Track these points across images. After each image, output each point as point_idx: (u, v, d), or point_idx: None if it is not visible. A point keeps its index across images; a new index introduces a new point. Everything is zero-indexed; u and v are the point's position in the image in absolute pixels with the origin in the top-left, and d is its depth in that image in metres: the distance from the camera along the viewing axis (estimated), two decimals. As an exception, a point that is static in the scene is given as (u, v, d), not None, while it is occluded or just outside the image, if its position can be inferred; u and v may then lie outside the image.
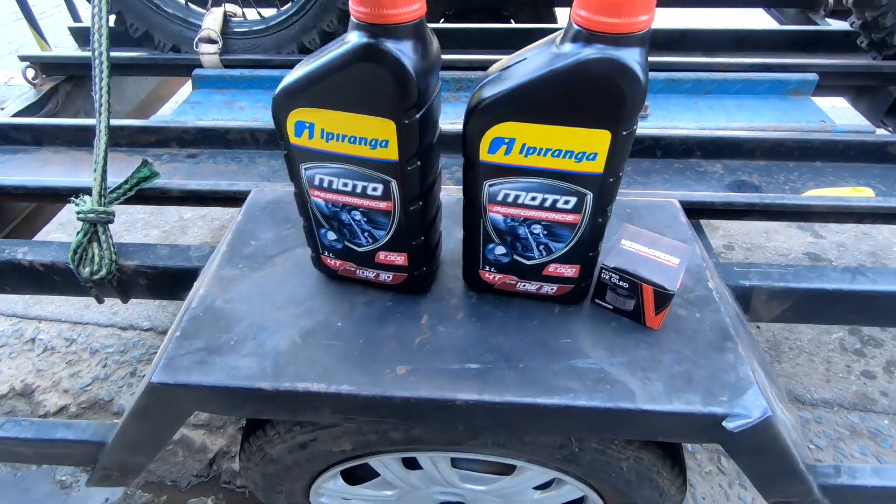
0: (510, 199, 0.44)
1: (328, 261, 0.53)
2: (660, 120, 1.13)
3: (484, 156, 0.42)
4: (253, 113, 1.20)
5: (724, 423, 0.45)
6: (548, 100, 0.37)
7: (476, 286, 0.55)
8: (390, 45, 0.36)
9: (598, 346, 0.50)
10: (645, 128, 1.06)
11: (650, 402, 0.46)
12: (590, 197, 0.42)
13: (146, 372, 0.51)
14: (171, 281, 0.80)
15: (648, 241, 0.51)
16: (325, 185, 0.45)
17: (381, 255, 0.50)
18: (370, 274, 0.53)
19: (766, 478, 0.52)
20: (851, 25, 1.24)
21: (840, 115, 1.21)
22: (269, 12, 1.30)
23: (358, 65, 0.37)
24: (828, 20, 1.51)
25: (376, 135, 0.40)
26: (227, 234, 0.64)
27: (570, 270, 0.49)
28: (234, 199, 0.89)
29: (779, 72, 1.19)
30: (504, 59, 0.40)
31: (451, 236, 0.56)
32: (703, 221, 0.94)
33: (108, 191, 0.83)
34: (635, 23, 0.33)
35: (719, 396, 0.46)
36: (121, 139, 1.07)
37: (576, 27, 0.35)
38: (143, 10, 1.27)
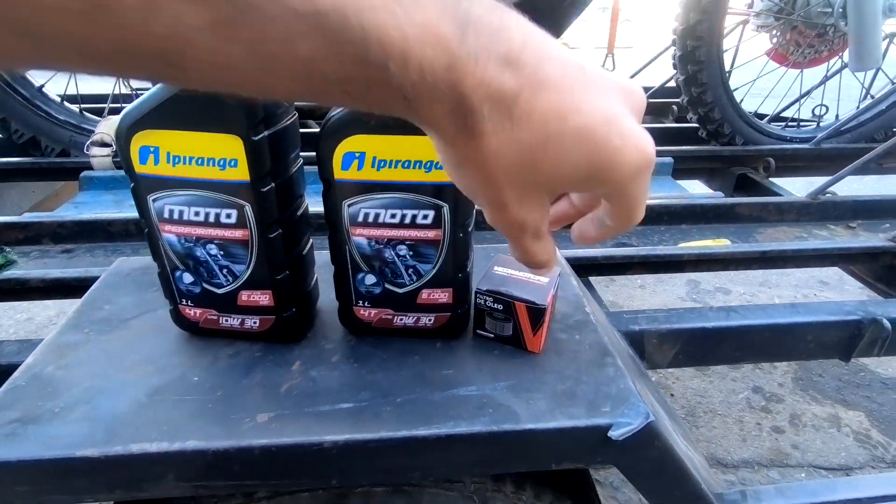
0: (371, 219, 0.44)
1: (187, 311, 0.49)
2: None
3: (338, 173, 0.42)
4: (144, 210, 1.17)
5: (609, 433, 0.43)
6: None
7: (354, 327, 0.52)
8: None
9: (480, 373, 0.48)
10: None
11: (534, 420, 0.43)
12: (446, 209, 0.44)
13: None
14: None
15: (520, 267, 0.52)
16: (176, 216, 0.43)
17: (244, 296, 0.47)
18: (234, 321, 0.49)
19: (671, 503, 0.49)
20: (690, 121, 1.48)
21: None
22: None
23: None
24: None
25: (224, 153, 0.40)
26: (77, 303, 0.58)
27: (443, 295, 0.49)
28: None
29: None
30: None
31: (330, 290, 0.54)
32: (592, 279, 0.99)
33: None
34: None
35: (602, 407, 0.45)
36: (-19, 238, 0.98)
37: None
38: (31, 118, 1.25)
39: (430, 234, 0.45)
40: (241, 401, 0.44)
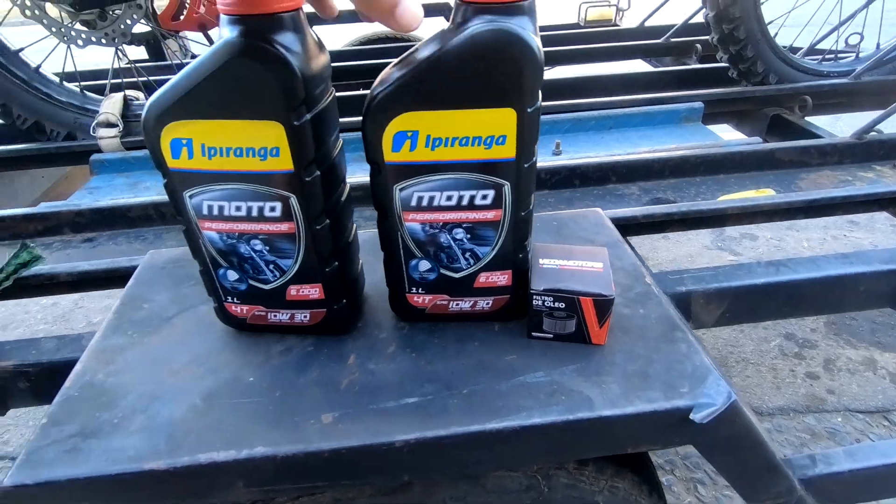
0: (425, 203, 0.41)
1: (233, 308, 0.46)
2: (573, 154, 1.18)
3: (388, 155, 0.38)
4: (160, 192, 1.13)
5: (691, 416, 0.41)
6: (444, 82, 0.35)
7: (406, 315, 0.50)
8: (267, 38, 0.33)
9: (545, 357, 0.46)
10: (561, 160, 1.09)
11: (610, 406, 0.41)
12: (507, 188, 0.40)
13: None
14: (60, 379, 0.68)
15: (564, 253, 0.48)
16: (216, 212, 0.40)
17: (293, 290, 0.44)
18: (283, 316, 0.46)
19: (747, 477, 0.48)
20: (720, 60, 1.39)
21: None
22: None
23: (233, 62, 0.33)
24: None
25: (265, 143, 0.36)
26: (116, 302, 0.56)
27: (502, 278, 0.46)
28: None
29: (669, 104, 1.29)
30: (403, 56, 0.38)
31: (375, 272, 0.51)
32: (630, 239, 0.96)
33: (-23, 282, 0.72)
34: (519, -8, 0.33)
35: (680, 388, 0.42)
36: (1, 231, 0.95)
37: (462, 4, 0.34)
38: (32, 101, 1.19)
39: (490, 214, 0.41)
40: (301, 400, 0.43)
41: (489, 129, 0.37)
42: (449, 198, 0.40)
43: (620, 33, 1.91)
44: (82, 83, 1.27)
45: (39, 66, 1.21)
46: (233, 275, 0.43)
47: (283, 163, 0.37)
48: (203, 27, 1.32)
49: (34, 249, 0.77)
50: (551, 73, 1.74)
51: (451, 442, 0.40)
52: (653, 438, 0.43)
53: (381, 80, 0.38)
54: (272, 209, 0.39)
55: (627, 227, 0.91)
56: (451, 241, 0.43)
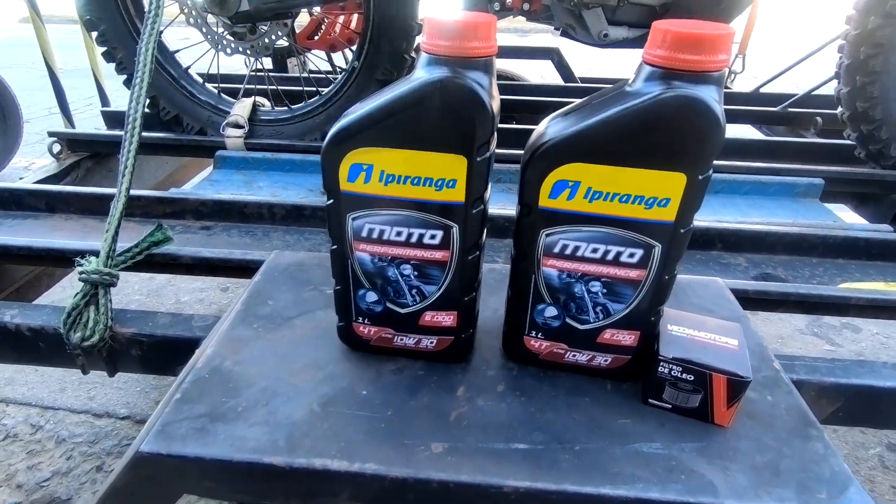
0: (568, 251, 0.41)
1: (361, 329, 0.48)
2: (675, 215, 1.14)
3: (544, 201, 0.39)
4: (271, 192, 1.21)
5: (830, 528, 0.37)
6: (619, 140, 0.36)
7: (517, 356, 0.49)
8: (469, 78, 0.35)
9: (662, 428, 0.44)
10: (664, 219, 1.06)
11: (736, 497, 0.38)
12: (658, 249, 0.39)
13: (116, 464, 0.43)
14: (167, 352, 0.73)
15: (695, 323, 0.46)
16: (375, 235, 0.42)
17: (428, 317, 0.45)
18: (410, 341, 0.47)
19: None
20: (847, 138, 1.31)
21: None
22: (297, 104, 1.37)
23: (431, 98, 0.36)
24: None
25: (444, 174, 0.38)
26: (243, 293, 0.59)
27: (628, 338, 0.44)
28: (246, 268, 0.85)
29: (785, 175, 1.23)
30: (568, 106, 0.39)
31: (486, 305, 0.51)
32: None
33: (116, 254, 0.79)
34: (716, 61, 0.33)
35: (817, 493, 0.39)
36: (136, 209, 1.06)
37: (649, 67, 0.34)
38: (176, 96, 1.33)
39: (633, 273, 0.41)
40: (412, 424, 0.43)
41: (654, 190, 0.37)
42: (595, 250, 0.40)
43: (731, 97, 1.85)
44: (220, 85, 1.40)
45: (189, 68, 1.34)
46: (372, 296, 0.45)
47: (457, 195, 0.38)
48: (332, 48, 1.43)
49: (167, 231, 0.84)
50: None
51: (562, 499, 0.39)
52: (777, 541, 0.39)
53: (548, 126, 0.38)
54: (433, 237, 0.41)
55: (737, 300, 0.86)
56: (586, 293, 0.42)
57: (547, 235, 0.41)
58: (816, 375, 0.72)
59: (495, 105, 0.38)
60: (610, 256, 0.40)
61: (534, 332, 0.47)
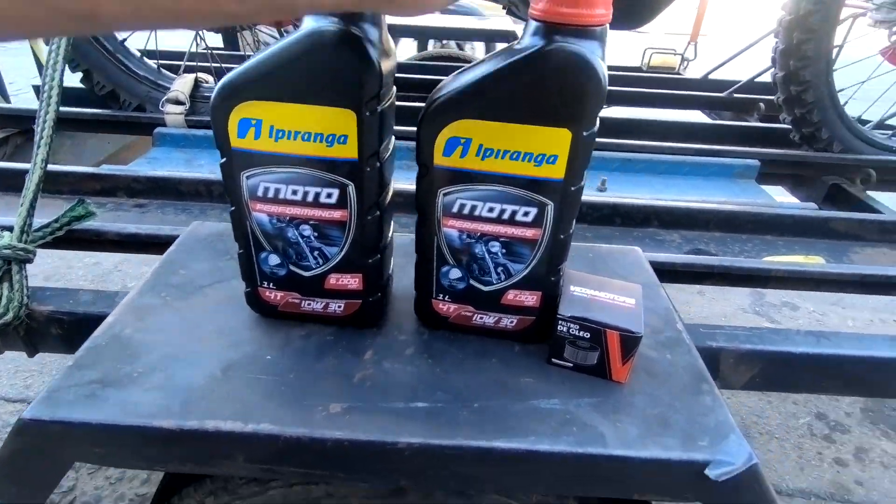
0: (466, 211, 0.41)
1: (267, 293, 0.47)
2: (617, 193, 1.16)
3: (439, 159, 0.39)
4: (212, 171, 1.18)
5: (706, 471, 0.39)
6: (505, 96, 0.36)
7: (429, 320, 0.49)
8: (356, 31, 0.35)
9: (562, 386, 0.45)
10: (604, 196, 1.08)
11: (623, 447, 0.40)
12: (551, 207, 0.40)
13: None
14: (90, 331, 0.71)
15: (597, 284, 0.47)
16: (271, 194, 0.41)
17: (333, 279, 0.45)
18: (317, 305, 0.47)
19: (759, 550, 0.45)
20: (783, 121, 1.36)
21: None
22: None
23: (317, 49, 0.35)
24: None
25: (334, 129, 0.37)
26: (155, 264, 0.58)
27: (530, 298, 0.45)
28: (176, 244, 0.82)
29: (724, 157, 1.27)
30: (471, 64, 0.39)
31: (405, 273, 0.51)
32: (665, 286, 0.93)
33: (34, 229, 0.76)
34: (594, 15, 0.33)
35: (699, 441, 0.41)
36: (63, 185, 1.01)
37: (533, 23, 0.35)
38: (112, 70, 1.27)
39: (529, 232, 0.41)
40: (313, 386, 0.43)
41: (541, 146, 0.37)
42: (491, 209, 0.40)
43: (682, 82, 1.90)
44: (160, 61, 1.34)
45: (125, 41, 1.29)
46: (274, 259, 0.44)
47: (349, 151, 0.38)
48: (279, 23, 1.39)
49: (89, 206, 0.81)
50: (607, 112, 1.73)
51: (455, 454, 0.39)
52: (662, 488, 0.41)
53: (442, 85, 0.38)
54: (329, 195, 0.40)
55: (664, 273, 0.88)
56: (486, 254, 0.43)
57: (445, 195, 0.41)
58: (735, 342, 0.75)
59: (387, 61, 0.37)
60: (506, 216, 0.41)
61: (441, 296, 0.47)
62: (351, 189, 0.40)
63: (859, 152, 1.31)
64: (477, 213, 0.41)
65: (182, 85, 1.29)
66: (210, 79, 1.37)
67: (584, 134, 0.36)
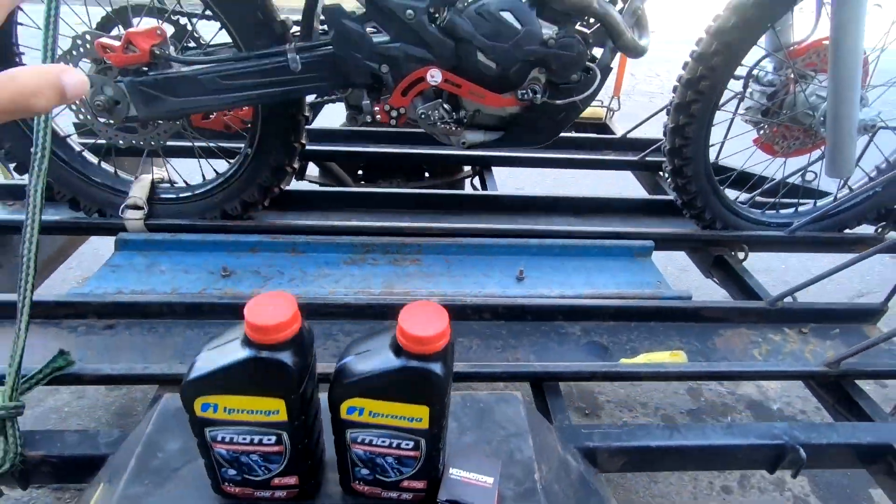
0: (367, 441, 0.59)
1: (228, 488, 0.64)
2: (534, 281, 1.36)
3: (343, 415, 0.57)
4: (173, 276, 1.30)
5: None
6: (384, 386, 0.54)
7: (351, 492, 0.67)
8: (277, 356, 0.52)
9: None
10: (519, 295, 1.28)
11: None
12: (423, 441, 0.58)
13: None
14: (76, 468, 0.85)
15: (471, 464, 0.64)
16: (227, 440, 0.57)
17: (276, 481, 0.62)
18: (266, 493, 0.64)
19: None
20: (676, 202, 1.57)
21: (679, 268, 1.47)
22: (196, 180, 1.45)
23: (252, 367, 0.52)
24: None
25: (269, 407, 0.54)
26: (138, 446, 0.73)
27: (419, 484, 0.64)
28: (147, 380, 0.98)
29: (625, 238, 1.48)
30: (363, 341, 0.56)
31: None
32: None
33: (21, 381, 0.88)
34: (436, 347, 0.51)
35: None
36: (37, 312, 1.13)
37: (401, 347, 0.53)
38: (71, 179, 1.37)
39: (412, 453, 0.59)
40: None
41: (411, 413, 0.55)
42: (383, 441, 0.58)
43: (601, 142, 2.09)
44: (116, 167, 1.44)
45: (82, 151, 1.39)
46: (232, 472, 0.61)
47: (282, 417, 0.55)
48: (228, 128, 1.51)
49: (69, 356, 0.94)
50: (525, 191, 1.91)
51: None
52: None
53: (345, 363, 0.56)
54: (269, 439, 0.57)
55: (560, 377, 1.08)
56: (385, 463, 0.61)
57: (351, 432, 0.58)
58: (608, 441, 0.96)
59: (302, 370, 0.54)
60: (394, 445, 0.59)
61: (357, 482, 0.65)
62: (285, 435, 0.57)
63: (738, 228, 1.54)
64: (374, 443, 0.59)
65: (139, 190, 1.40)
66: (166, 176, 1.48)
67: (438, 408, 0.55)
